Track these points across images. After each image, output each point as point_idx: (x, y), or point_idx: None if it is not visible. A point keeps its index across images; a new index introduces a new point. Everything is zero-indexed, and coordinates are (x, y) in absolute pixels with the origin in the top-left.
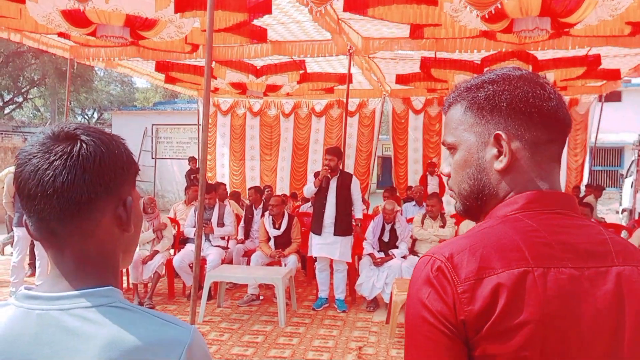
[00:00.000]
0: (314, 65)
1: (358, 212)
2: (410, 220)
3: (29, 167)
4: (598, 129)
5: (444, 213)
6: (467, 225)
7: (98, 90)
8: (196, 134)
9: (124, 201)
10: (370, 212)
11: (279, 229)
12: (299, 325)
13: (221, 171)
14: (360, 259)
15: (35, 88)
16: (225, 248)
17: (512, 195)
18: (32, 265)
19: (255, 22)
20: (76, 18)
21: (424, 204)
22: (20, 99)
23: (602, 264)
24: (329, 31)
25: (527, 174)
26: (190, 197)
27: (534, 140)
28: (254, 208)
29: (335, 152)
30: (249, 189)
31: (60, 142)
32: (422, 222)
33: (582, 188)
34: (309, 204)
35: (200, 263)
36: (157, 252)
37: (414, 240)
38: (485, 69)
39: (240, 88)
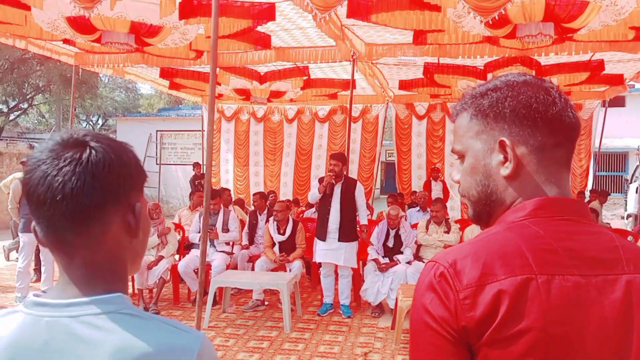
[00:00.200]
0: (317, 72)
1: (363, 218)
2: (414, 226)
3: (38, 173)
4: (602, 134)
5: (449, 218)
6: (471, 230)
7: (103, 97)
8: (200, 139)
9: (132, 207)
10: (374, 217)
11: (283, 234)
12: (304, 331)
13: (225, 177)
14: (365, 264)
15: (40, 94)
16: (230, 253)
17: (519, 202)
18: (38, 270)
19: (259, 28)
20: (81, 25)
21: (428, 209)
22: (25, 106)
23: (611, 271)
24: (333, 37)
25: (534, 180)
26: (195, 202)
27: (540, 145)
28: (258, 214)
29: (339, 158)
30: (254, 195)
31: (69, 149)
32: (427, 228)
33: (587, 193)
34: (313, 209)
35: (205, 268)
36: (162, 257)
37: (419, 246)
38: (489, 75)
39: (244, 94)
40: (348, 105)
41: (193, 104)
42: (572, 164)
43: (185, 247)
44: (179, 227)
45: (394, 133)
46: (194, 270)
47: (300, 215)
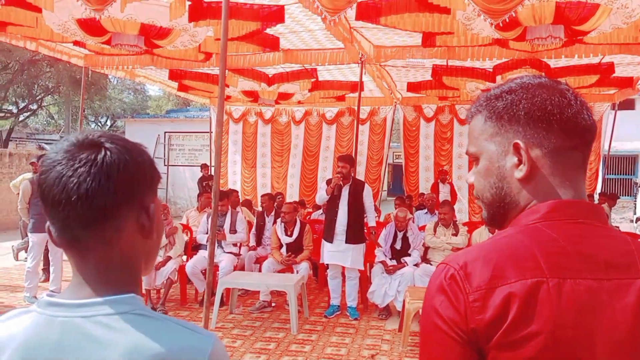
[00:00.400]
0: (325, 74)
1: (371, 220)
2: (422, 228)
3: (54, 174)
4: (612, 137)
5: (456, 221)
6: (479, 233)
7: (111, 98)
8: (208, 141)
9: (146, 209)
10: (381, 219)
11: (291, 236)
12: (311, 333)
13: (233, 178)
14: (372, 266)
15: (50, 96)
16: (238, 255)
17: (533, 204)
18: (46, 270)
19: (268, 30)
20: (92, 27)
21: (436, 212)
22: (35, 107)
23: (625, 275)
24: (341, 40)
25: (548, 182)
26: (203, 203)
27: (555, 148)
28: (265, 215)
29: (348, 160)
30: (262, 196)
31: (84, 150)
32: (435, 230)
33: (596, 197)
34: (321, 211)
35: (213, 269)
36: (169, 258)
37: (426, 248)
38: (498, 77)
39: (252, 96)
40: (356, 107)
41: (201, 105)
42: None
43: (192, 248)
44: (186, 228)
45: (402, 135)
46: (201, 271)
47: (307, 217)
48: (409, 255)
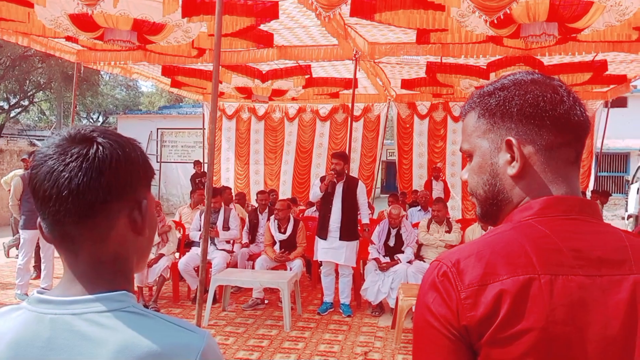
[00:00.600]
0: (319, 70)
1: (365, 217)
2: (415, 225)
3: (45, 169)
4: (604, 134)
5: (450, 218)
6: (472, 230)
7: (103, 94)
8: (201, 137)
9: (139, 204)
10: (375, 216)
11: (284, 233)
12: (305, 330)
13: (226, 175)
14: (365, 263)
15: (41, 92)
16: (230, 252)
17: (526, 201)
18: (38, 268)
19: (262, 26)
20: (84, 22)
21: (430, 209)
22: (26, 103)
23: (617, 272)
24: (336, 36)
25: (541, 179)
26: (196, 200)
27: (547, 144)
28: (259, 212)
29: (341, 157)
30: (258, 194)
31: (76, 144)
32: (428, 227)
33: (588, 194)
34: (314, 208)
35: (206, 266)
36: (162, 255)
37: (420, 245)
38: (491, 74)
39: (246, 92)
40: (350, 104)
41: (194, 102)
42: None
43: (185, 245)
44: (179, 225)
45: (395, 132)
46: (194, 268)
47: (300, 215)
48: (402, 252)
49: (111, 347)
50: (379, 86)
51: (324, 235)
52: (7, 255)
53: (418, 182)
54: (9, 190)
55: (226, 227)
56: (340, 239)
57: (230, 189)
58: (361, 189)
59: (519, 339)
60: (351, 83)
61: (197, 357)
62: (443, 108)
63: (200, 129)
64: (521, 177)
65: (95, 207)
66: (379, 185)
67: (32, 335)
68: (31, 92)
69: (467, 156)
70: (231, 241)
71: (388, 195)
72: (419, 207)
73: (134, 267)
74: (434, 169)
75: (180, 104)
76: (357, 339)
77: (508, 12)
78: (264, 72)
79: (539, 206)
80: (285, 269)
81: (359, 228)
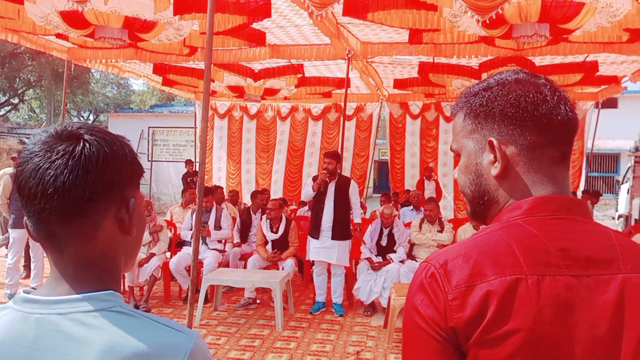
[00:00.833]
0: (312, 69)
1: (357, 216)
2: (407, 225)
3: (30, 166)
4: (595, 135)
5: (442, 218)
6: (464, 230)
7: (94, 92)
8: (193, 136)
9: (126, 203)
10: (367, 216)
11: (276, 232)
12: (297, 329)
13: (217, 174)
14: (357, 263)
15: (31, 90)
16: (222, 251)
17: (511, 202)
18: (27, 267)
19: (254, 25)
20: (74, 19)
21: (422, 208)
22: (16, 101)
23: (605, 271)
24: (328, 35)
25: (524, 179)
26: (187, 199)
27: (530, 144)
28: (252, 212)
29: (334, 156)
30: (252, 194)
31: (62, 141)
32: (420, 227)
33: (579, 194)
34: (306, 207)
35: (197, 266)
36: (153, 254)
37: (412, 245)
38: (483, 74)
39: (238, 91)
40: (342, 104)
41: (186, 100)
42: None
43: (176, 244)
44: (170, 224)
45: (388, 132)
46: (185, 268)
47: (292, 214)
48: (395, 251)
49: (97, 347)
50: (372, 86)
51: (316, 235)
52: None
53: (410, 181)
54: None
55: (218, 227)
56: (332, 239)
57: (222, 188)
58: (353, 189)
59: (507, 340)
60: (344, 82)
61: (185, 358)
62: (435, 108)
63: (192, 127)
64: (504, 177)
65: (81, 205)
66: (371, 184)
67: (18, 335)
68: (21, 90)
69: (456, 155)
70: (223, 241)
71: (380, 195)
72: (411, 207)
73: (122, 267)
74: (426, 168)
75: (172, 102)
76: (350, 339)
77: (500, 12)
78: (256, 71)
79: (527, 206)
80: (278, 269)
81: (351, 227)
